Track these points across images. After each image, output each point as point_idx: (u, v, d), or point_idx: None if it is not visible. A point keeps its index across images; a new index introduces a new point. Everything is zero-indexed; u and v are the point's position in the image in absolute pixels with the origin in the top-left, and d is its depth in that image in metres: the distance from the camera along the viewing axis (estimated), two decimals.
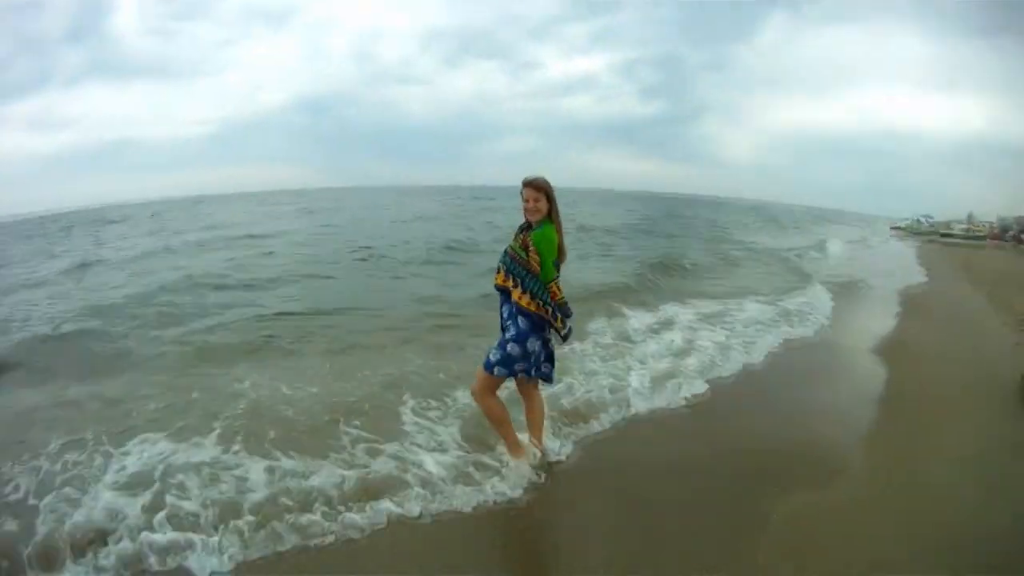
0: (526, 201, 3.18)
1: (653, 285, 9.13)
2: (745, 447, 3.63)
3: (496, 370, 3.21)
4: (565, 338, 3.32)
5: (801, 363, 5.51)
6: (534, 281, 3.17)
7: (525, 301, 3.17)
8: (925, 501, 3.08)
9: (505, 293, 3.27)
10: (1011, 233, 28.90)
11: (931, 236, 30.49)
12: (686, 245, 15.99)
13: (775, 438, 3.78)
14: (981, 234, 29.47)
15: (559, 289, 3.28)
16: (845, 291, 9.37)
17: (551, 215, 3.22)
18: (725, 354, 5.34)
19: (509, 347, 3.21)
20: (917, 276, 12.36)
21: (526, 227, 3.27)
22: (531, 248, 3.16)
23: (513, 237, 3.31)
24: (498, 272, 3.30)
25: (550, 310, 3.20)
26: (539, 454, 3.38)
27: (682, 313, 6.91)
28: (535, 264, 3.16)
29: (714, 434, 3.83)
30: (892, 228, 36.66)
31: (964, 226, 32.38)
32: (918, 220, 35.63)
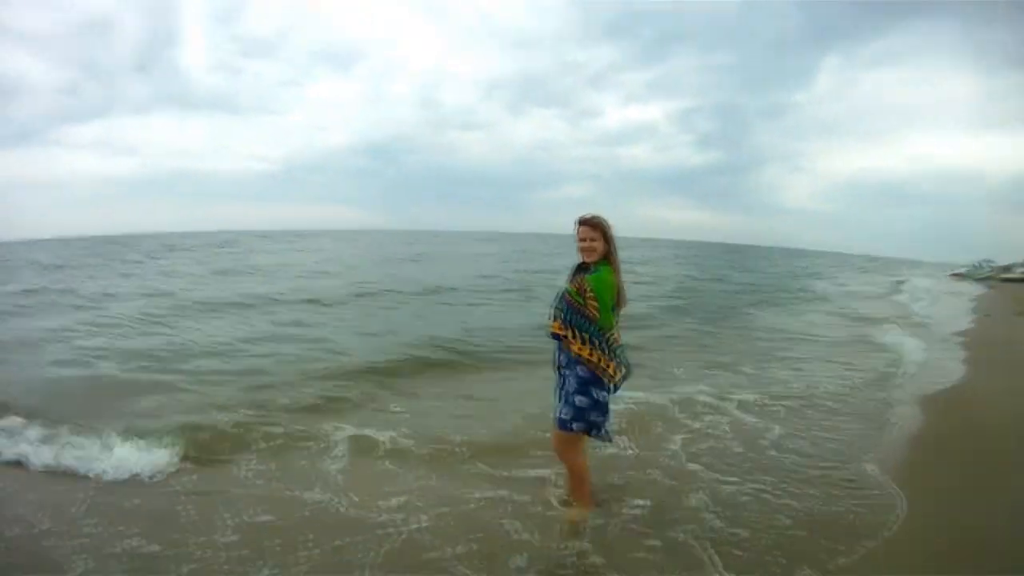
0: (581, 240, 3.00)
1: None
2: None
3: (575, 426, 3.02)
4: (615, 388, 3.09)
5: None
6: (593, 328, 2.97)
7: (586, 352, 2.97)
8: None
9: (560, 341, 3.06)
10: None
11: (991, 280, 29.30)
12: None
13: None
14: None
15: (618, 337, 3.06)
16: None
17: (608, 256, 3.02)
18: None
19: (577, 400, 3.00)
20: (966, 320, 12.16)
21: (581, 268, 3.09)
22: (588, 292, 2.96)
23: (568, 279, 3.13)
24: (553, 319, 3.07)
25: (612, 363, 3.00)
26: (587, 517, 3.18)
27: None
28: (593, 310, 2.95)
29: None
30: (952, 274, 35.43)
31: None
32: (978, 265, 34.32)
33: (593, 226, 3.01)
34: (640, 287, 15.07)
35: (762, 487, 3.61)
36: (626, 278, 3.10)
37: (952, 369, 6.95)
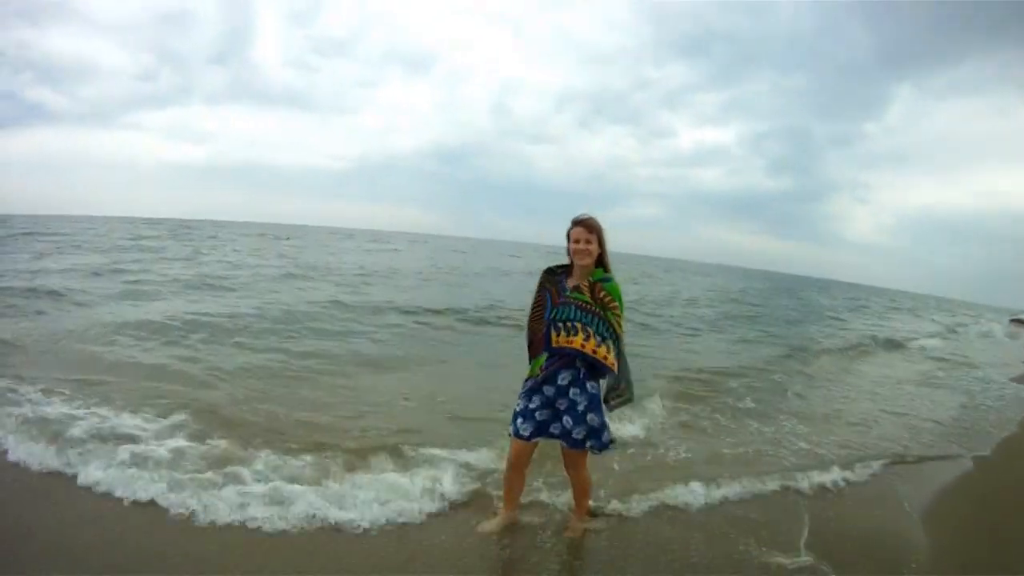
0: (575, 241, 2.76)
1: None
2: None
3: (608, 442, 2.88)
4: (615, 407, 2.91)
5: None
6: (618, 342, 2.80)
7: (608, 357, 2.77)
8: None
9: (571, 355, 2.76)
10: None
11: None
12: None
13: None
14: None
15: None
16: None
17: (602, 259, 2.81)
18: None
19: (590, 418, 2.80)
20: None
21: (563, 271, 2.88)
22: (610, 301, 2.76)
23: (545, 286, 2.86)
24: (571, 332, 2.73)
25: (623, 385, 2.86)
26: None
27: None
28: (617, 320, 2.78)
29: None
30: (1012, 320, 34.04)
31: None
32: None
33: (589, 227, 2.78)
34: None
35: None
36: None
37: None
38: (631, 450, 4.28)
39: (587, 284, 2.78)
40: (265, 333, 7.29)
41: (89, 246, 18.21)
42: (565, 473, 3.07)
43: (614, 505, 3.35)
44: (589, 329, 2.73)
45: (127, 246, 19.25)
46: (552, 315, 2.79)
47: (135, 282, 10.70)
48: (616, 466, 3.90)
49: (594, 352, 2.72)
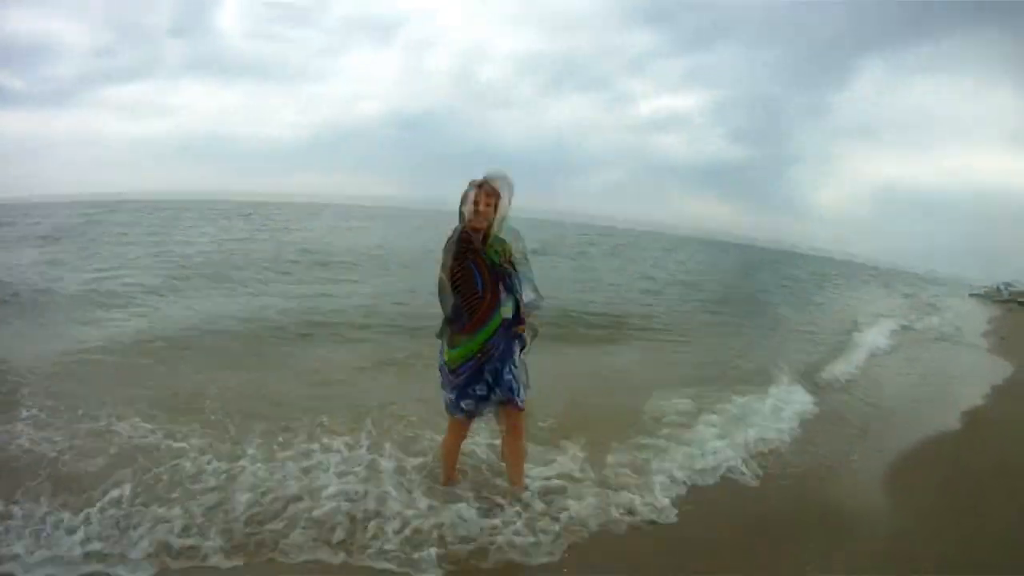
0: (475, 203, 2.70)
1: None
2: None
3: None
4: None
5: None
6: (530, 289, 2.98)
7: (519, 325, 2.97)
8: None
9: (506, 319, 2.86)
10: None
11: (1010, 304, 28.97)
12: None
13: None
14: None
15: None
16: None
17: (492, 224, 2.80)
18: None
19: (523, 376, 2.97)
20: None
21: (468, 239, 2.78)
22: (509, 258, 2.86)
23: (460, 251, 2.75)
24: (498, 295, 2.80)
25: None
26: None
27: None
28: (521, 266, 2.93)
29: None
30: (971, 295, 35.14)
31: None
32: (998, 288, 33.94)
33: (488, 191, 2.73)
34: None
35: None
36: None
37: None
38: None
39: (500, 246, 2.82)
40: None
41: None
42: (501, 447, 3.22)
43: None
44: (520, 295, 2.88)
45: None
46: (508, 284, 2.82)
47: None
48: None
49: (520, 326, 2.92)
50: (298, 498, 2.99)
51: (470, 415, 2.95)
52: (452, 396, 2.90)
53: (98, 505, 2.89)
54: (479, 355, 2.79)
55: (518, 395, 2.90)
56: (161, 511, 2.86)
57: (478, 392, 2.85)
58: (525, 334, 2.94)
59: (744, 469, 3.89)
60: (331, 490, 3.05)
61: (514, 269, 2.83)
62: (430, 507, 2.94)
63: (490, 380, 2.83)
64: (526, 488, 3.13)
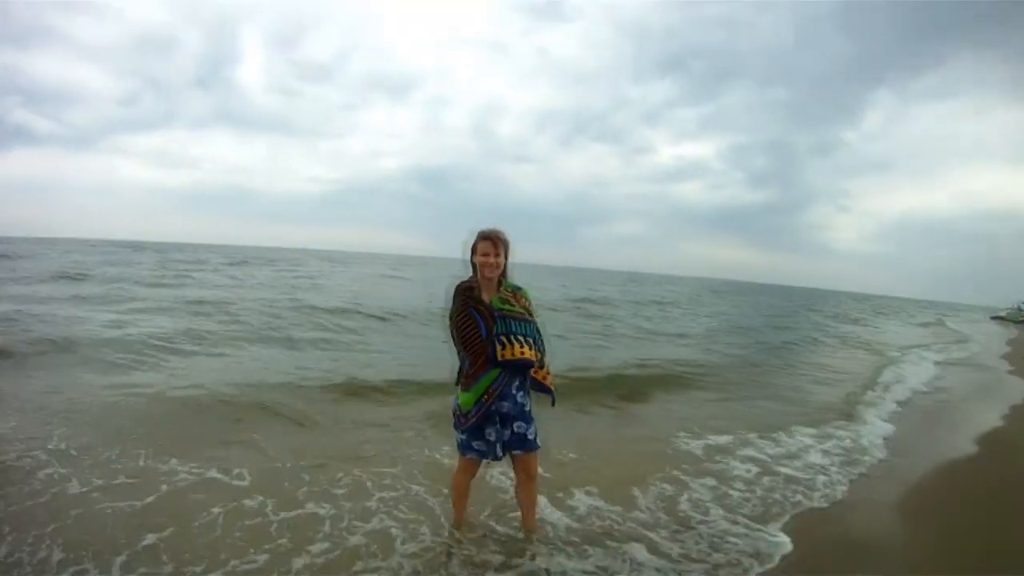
0: (484, 255, 2.79)
1: None
2: None
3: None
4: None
5: None
6: (544, 348, 2.97)
7: (545, 378, 3.00)
8: None
9: (521, 365, 2.83)
10: None
11: None
12: None
13: None
14: None
15: None
16: None
17: (505, 273, 2.88)
18: None
19: (532, 416, 2.95)
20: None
21: (470, 287, 2.86)
22: (529, 306, 2.90)
23: (462, 301, 2.82)
24: (516, 344, 2.80)
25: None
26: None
27: None
28: (539, 329, 2.95)
29: None
30: (992, 317, 34.72)
31: None
32: (1019, 308, 33.64)
33: (495, 242, 2.82)
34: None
35: None
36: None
37: None
38: None
39: (509, 294, 2.86)
40: None
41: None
42: (516, 493, 3.16)
43: None
44: (528, 340, 2.84)
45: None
46: (496, 330, 2.80)
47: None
48: None
49: (536, 372, 2.91)
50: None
51: (481, 455, 2.95)
52: (463, 437, 2.94)
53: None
54: (485, 397, 2.82)
55: (531, 440, 2.92)
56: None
57: (488, 436, 2.88)
58: (552, 389, 3.02)
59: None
60: None
61: (530, 316, 2.89)
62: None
63: (499, 426, 2.87)
64: (539, 530, 3.17)
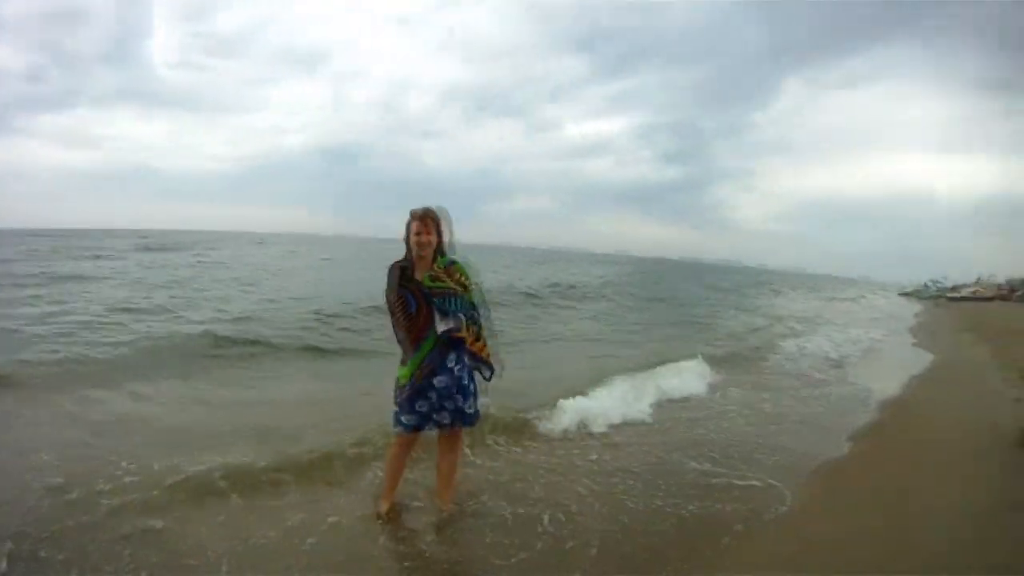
0: (416, 234, 2.86)
1: None
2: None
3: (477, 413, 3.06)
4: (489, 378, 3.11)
5: None
6: (479, 318, 3.02)
7: (483, 349, 3.03)
8: (915, 556, 2.80)
9: (450, 341, 2.90)
10: (1020, 293, 28.65)
11: (937, 299, 30.33)
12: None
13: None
14: (988, 295, 29.28)
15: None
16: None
17: (441, 248, 2.93)
18: None
19: (475, 391, 3.00)
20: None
21: (402, 267, 2.92)
22: (465, 280, 2.93)
23: (389, 279, 2.92)
24: (445, 316, 2.88)
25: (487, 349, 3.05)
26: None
27: None
28: (480, 294, 3.02)
29: None
30: (900, 294, 36.60)
31: (971, 289, 32.32)
32: (925, 285, 35.67)
33: (425, 220, 2.89)
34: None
35: None
36: None
37: None
38: None
39: (441, 270, 2.90)
40: None
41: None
42: (437, 463, 3.20)
43: None
44: (460, 315, 2.92)
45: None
46: (438, 305, 2.88)
47: None
48: None
49: (472, 344, 2.98)
50: None
51: (413, 429, 3.00)
52: (396, 411, 3.00)
53: None
54: (418, 371, 2.90)
55: (469, 414, 3.01)
56: None
57: (419, 409, 2.94)
58: (492, 363, 3.07)
59: None
60: None
61: (463, 289, 2.93)
62: None
63: (434, 399, 2.93)
64: (453, 504, 3.19)
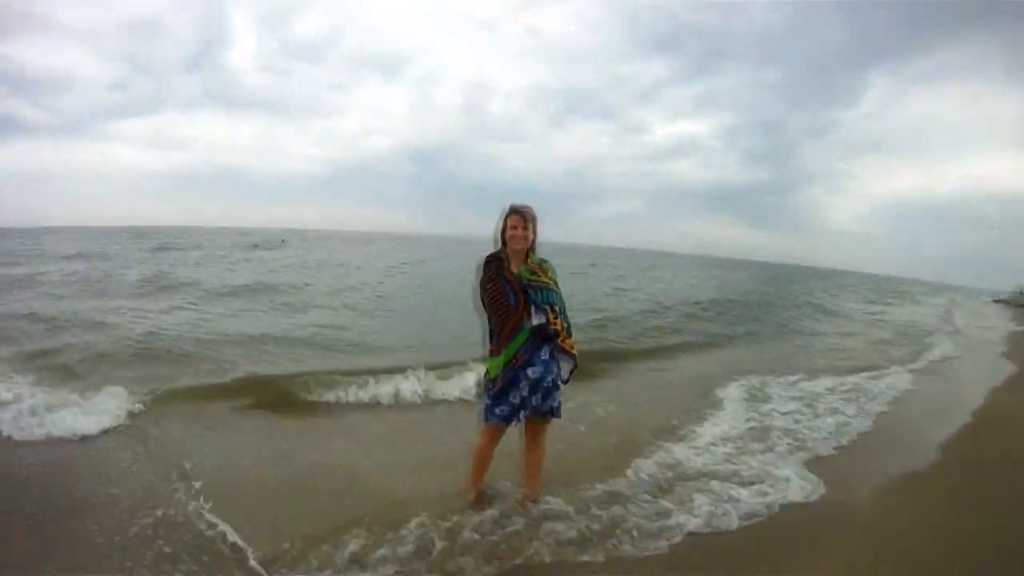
0: (512, 228, 2.93)
1: None
2: None
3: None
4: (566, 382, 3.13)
5: None
6: (566, 315, 3.06)
7: (572, 345, 3.05)
8: None
9: (545, 334, 2.94)
10: None
11: None
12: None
13: None
14: None
15: None
16: None
17: (533, 246, 3.01)
18: None
19: (562, 386, 3.07)
20: None
21: (496, 258, 3.02)
22: (553, 277, 3.01)
23: (493, 270, 3.00)
24: (539, 310, 2.93)
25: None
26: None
27: None
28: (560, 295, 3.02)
29: None
30: (994, 300, 35.23)
31: None
32: (1021, 291, 34.10)
33: (524, 216, 2.95)
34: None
35: None
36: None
37: None
38: None
39: (535, 266, 2.97)
40: None
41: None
42: (524, 456, 3.24)
43: None
44: (556, 308, 2.96)
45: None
46: (533, 298, 2.93)
47: None
48: None
49: (572, 348, 3.02)
50: None
51: (504, 420, 2.99)
52: (488, 403, 3.02)
53: None
54: (512, 362, 2.92)
55: (554, 406, 3.02)
56: None
57: (512, 400, 2.95)
58: (575, 356, 3.06)
59: None
60: None
61: (556, 287, 2.99)
62: None
63: (526, 391, 2.93)
64: (539, 496, 3.18)
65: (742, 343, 10.36)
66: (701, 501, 3.30)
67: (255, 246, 29.36)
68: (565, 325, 3.00)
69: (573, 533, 2.89)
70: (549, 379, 2.96)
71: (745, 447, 4.33)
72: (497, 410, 2.99)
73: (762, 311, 15.21)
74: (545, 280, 2.96)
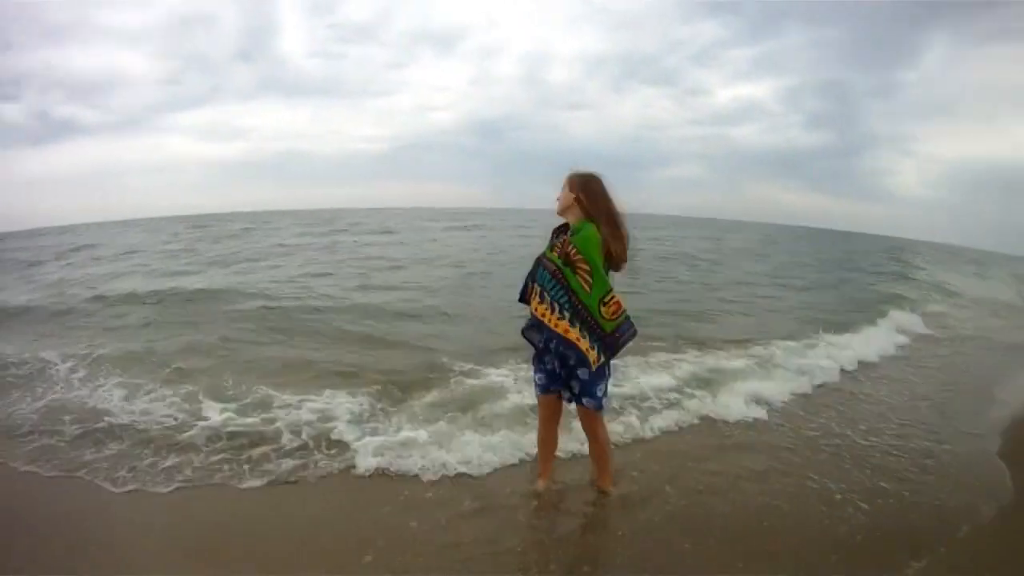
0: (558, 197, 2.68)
1: None
2: None
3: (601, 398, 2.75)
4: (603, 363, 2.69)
5: None
6: (579, 304, 2.57)
7: (574, 335, 2.59)
8: None
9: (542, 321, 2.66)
10: None
11: None
12: None
13: None
14: None
15: (619, 301, 2.61)
16: None
17: (591, 213, 2.59)
18: None
19: (580, 372, 2.69)
20: None
21: (561, 229, 2.73)
22: (576, 256, 2.55)
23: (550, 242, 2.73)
24: (534, 296, 2.69)
25: (593, 349, 2.60)
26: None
27: None
28: (585, 277, 2.55)
29: None
30: None
31: None
32: None
33: (566, 181, 2.68)
34: None
35: None
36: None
37: None
38: None
39: (562, 242, 2.65)
40: None
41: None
42: (588, 447, 3.02)
43: None
44: (552, 301, 2.63)
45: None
46: (532, 276, 2.74)
47: None
48: None
49: (566, 332, 2.60)
50: None
51: (542, 390, 2.82)
52: (532, 369, 2.89)
53: None
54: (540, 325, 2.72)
55: (595, 396, 2.71)
56: None
57: (546, 365, 2.75)
58: (575, 344, 2.62)
59: None
60: None
61: (561, 263, 2.61)
62: None
63: (558, 361, 2.70)
64: (613, 486, 2.97)
65: None
66: None
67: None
68: (558, 310, 2.61)
69: None
70: (572, 355, 2.64)
71: None
72: (537, 377, 2.84)
73: None
74: (556, 261, 2.63)
